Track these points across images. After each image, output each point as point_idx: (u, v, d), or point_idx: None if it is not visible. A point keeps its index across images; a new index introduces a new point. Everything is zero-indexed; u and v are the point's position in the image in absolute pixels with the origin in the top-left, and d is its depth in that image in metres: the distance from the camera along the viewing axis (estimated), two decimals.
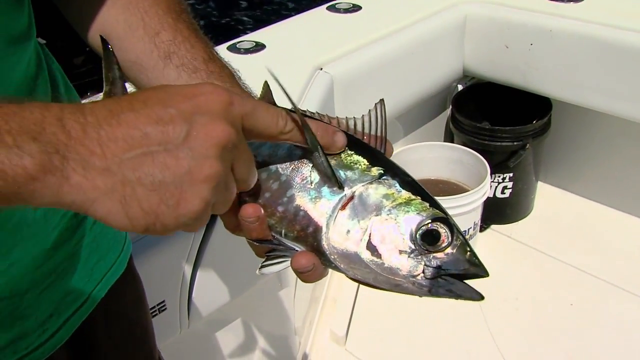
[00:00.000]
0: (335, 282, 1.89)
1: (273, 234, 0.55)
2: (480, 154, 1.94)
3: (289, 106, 0.55)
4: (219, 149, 0.44)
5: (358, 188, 0.52)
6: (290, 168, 0.55)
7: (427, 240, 0.51)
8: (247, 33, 1.77)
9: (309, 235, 0.53)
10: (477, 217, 1.90)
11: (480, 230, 2.02)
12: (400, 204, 0.52)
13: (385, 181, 0.53)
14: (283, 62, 1.61)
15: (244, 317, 1.43)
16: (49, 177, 0.40)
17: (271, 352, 1.52)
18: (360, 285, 0.54)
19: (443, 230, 0.51)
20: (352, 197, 0.52)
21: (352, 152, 0.55)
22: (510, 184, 2.04)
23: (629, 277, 1.88)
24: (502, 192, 2.05)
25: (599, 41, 1.74)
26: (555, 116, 2.03)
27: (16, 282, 0.66)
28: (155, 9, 0.71)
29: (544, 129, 1.99)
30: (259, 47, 1.66)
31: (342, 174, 0.53)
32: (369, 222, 0.51)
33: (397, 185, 0.53)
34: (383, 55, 1.75)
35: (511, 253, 2.04)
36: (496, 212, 2.09)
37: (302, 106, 1.40)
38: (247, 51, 1.64)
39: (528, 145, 1.95)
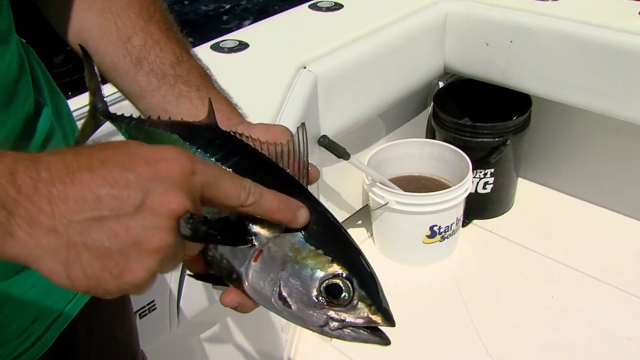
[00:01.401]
0: None
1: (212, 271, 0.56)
2: (462, 150, 1.96)
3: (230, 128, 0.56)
4: (172, 220, 0.42)
5: (266, 242, 0.53)
6: (217, 217, 0.54)
7: (329, 294, 0.52)
8: (230, 32, 1.77)
9: (234, 280, 0.54)
10: (459, 212, 1.93)
11: (463, 226, 2.05)
12: (303, 258, 0.52)
13: (289, 234, 0.53)
14: (267, 61, 1.62)
15: (232, 316, 1.43)
16: None
17: (259, 350, 1.53)
18: None
19: (344, 286, 0.52)
20: (261, 251, 0.52)
21: None
22: (491, 180, 2.07)
23: (607, 269, 1.92)
24: (484, 188, 2.08)
25: (577, 38, 1.77)
26: (535, 112, 2.06)
27: None
28: (127, 13, 0.70)
29: (524, 125, 2.02)
30: (242, 46, 1.67)
31: (252, 228, 0.53)
32: (277, 276, 0.52)
33: (302, 239, 0.53)
34: (365, 53, 1.77)
35: (493, 247, 2.07)
36: (478, 208, 2.12)
37: (287, 106, 1.42)
38: (231, 50, 1.65)
39: (509, 141, 1.98)
